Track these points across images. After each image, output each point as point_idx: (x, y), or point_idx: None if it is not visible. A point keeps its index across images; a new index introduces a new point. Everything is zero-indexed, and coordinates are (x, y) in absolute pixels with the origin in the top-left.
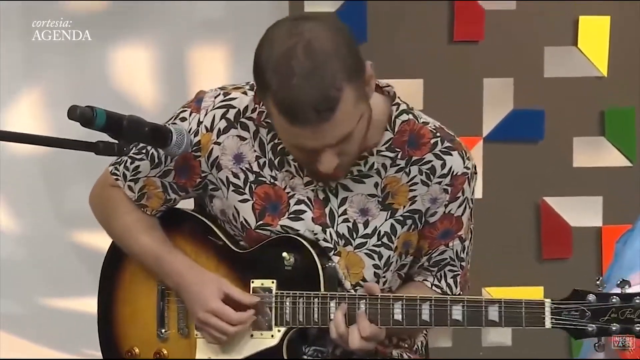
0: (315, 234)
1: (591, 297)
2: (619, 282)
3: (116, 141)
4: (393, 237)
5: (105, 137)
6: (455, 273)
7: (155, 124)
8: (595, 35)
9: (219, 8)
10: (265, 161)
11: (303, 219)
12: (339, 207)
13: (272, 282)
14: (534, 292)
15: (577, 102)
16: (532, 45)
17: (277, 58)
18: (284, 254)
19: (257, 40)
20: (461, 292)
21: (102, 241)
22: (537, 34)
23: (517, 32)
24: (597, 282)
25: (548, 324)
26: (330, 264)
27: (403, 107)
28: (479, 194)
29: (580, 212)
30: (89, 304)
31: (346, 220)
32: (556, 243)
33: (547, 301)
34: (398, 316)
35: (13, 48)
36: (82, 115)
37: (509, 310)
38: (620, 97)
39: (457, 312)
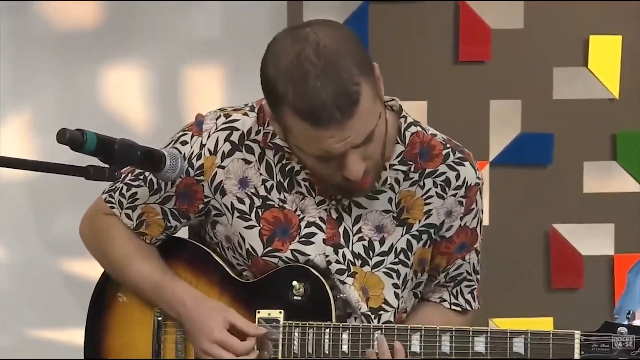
0: (327, 256)
1: (622, 330)
2: (628, 313)
3: (107, 166)
4: (409, 253)
5: (95, 161)
6: (472, 288)
7: (148, 147)
8: (606, 55)
9: (215, 27)
10: (273, 184)
11: (314, 242)
12: (353, 226)
13: (280, 313)
14: (543, 323)
15: (588, 125)
16: (540, 65)
17: (287, 67)
18: (295, 283)
19: (255, 60)
20: (479, 306)
21: (92, 270)
22: (546, 54)
23: (525, 52)
24: (617, 316)
25: (576, 356)
26: (341, 295)
27: (410, 119)
28: (485, 220)
29: (591, 240)
30: (78, 335)
31: (361, 239)
32: (566, 272)
33: (577, 333)
34: (415, 348)
35: (0, 69)
36: (71, 138)
37: (536, 341)
38: (632, 120)
39: (479, 344)
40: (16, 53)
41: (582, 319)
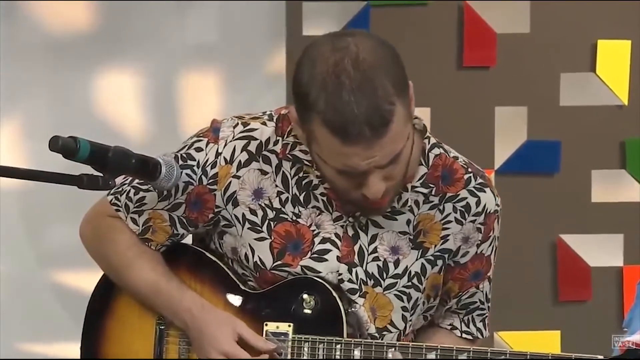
0: (340, 274)
1: None
2: None
3: (101, 174)
4: (422, 277)
5: (89, 169)
6: (484, 316)
7: (143, 155)
8: (615, 60)
9: (212, 32)
10: (288, 197)
11: (327, 260)
12: (369, 245)
13: (289, 326)
14: (550, 337)
15: (596, 133)
16: (547, 71)
17: (323, 75)
18: (305, 296)
19: (253, 64)
20: (489, 334)
21: (85, 282)
22: (553, 60)
23: (531, 57)
24: (626, 329)
25: None
26: (353, 309)
27: (433, 140)
28: None
29: (600, 251)
30: (71, 350)
31: (376, 259)
32: (574, 284)
33: (600, 358)
34: None
35: None
36: (64, 146)
37: None
38: None
39: None
40: (8, 57)
41: (590, 332)
